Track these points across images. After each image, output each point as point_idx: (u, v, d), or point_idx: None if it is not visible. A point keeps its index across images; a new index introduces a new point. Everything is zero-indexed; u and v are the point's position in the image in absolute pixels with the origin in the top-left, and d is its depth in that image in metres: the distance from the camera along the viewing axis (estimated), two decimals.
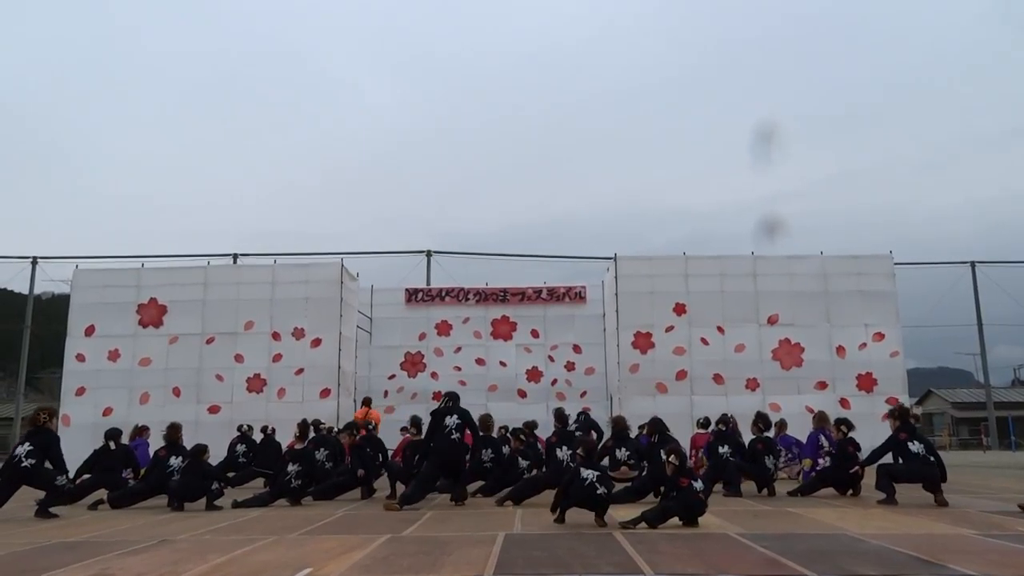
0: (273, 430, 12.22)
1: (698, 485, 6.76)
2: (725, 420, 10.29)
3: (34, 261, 25.56)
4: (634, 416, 12.73)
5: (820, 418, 11.10)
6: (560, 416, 9.99)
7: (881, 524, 6.45)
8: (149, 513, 8.41)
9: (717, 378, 16.54)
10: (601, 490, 6.56)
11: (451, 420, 8.70)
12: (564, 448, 9.06)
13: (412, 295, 20.50)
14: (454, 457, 8.69)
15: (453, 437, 8.64)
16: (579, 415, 12.90)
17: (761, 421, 9.88)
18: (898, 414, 8.77)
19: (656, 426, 9.67)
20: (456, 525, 6.77)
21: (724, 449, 9.67)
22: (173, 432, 9.56)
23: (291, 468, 9.15)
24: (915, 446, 8.29)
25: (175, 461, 9.17)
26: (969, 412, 43.57)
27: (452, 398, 9.06)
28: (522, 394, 19.15)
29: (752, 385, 16.38)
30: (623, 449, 9.92)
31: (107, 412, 15.70)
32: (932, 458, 8.27)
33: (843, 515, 7.15)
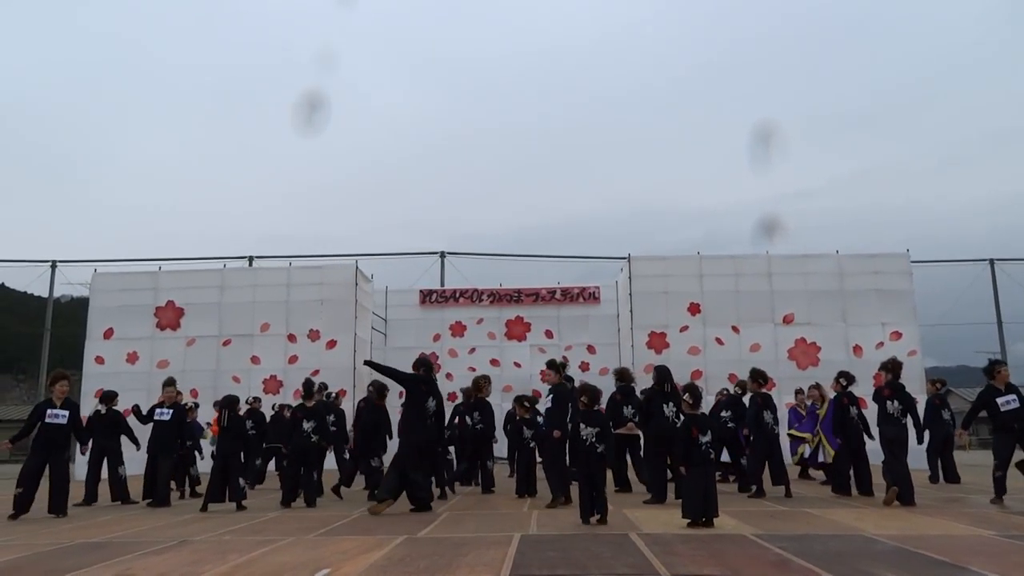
0: (282, 406, 12.52)
1: (705, 439, 6.58)
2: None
3: (53, 265, 25.82)
4: None
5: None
6: (625, 375, 9.85)
7: (899, 525, 6.41)
8: (169, 514, 8.51)
9: (732, 378, 16.34)
10: (601, 448, 6.74)
11: (432, 404, 8.24)
12: (629, 407, 9.24)
13: (426, 296, 20.57)
14: (433, 443, 8.34)
15: (430, 423, 8.23)
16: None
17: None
18: (890, 366, 8.23)
19: (662, 375, 9.04)
20: (472, 526, 6.80)
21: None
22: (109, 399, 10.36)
23: (306, 425, 9.03)
24: (892, 405, 7.94)
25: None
26: None
27: (427, 368, 8.47)
28: (537, 395, 19.14)
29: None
30: (629, 407, 9.68)
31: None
32: (904, 420, 7.93)
33: (860, 516, 7.11)
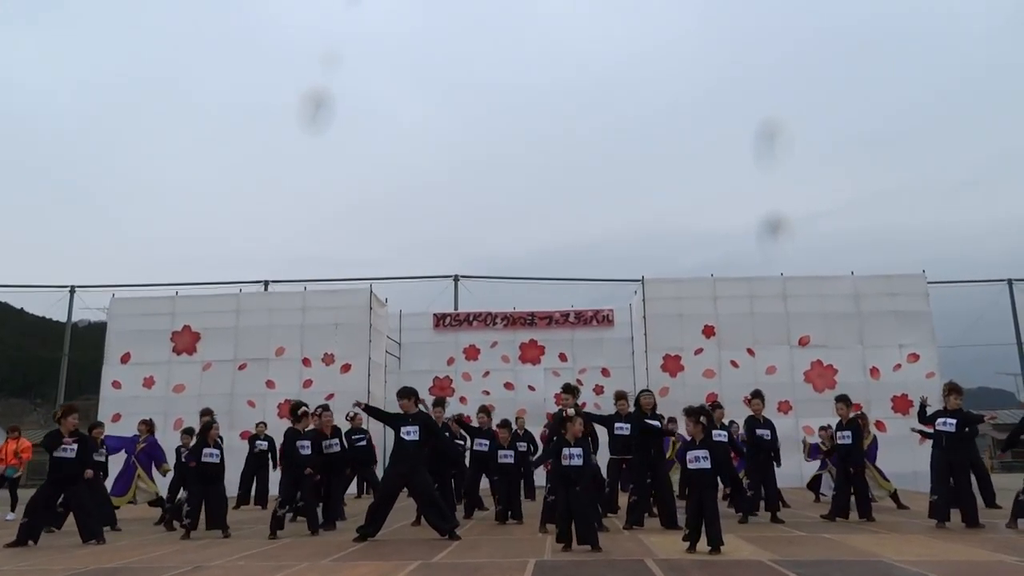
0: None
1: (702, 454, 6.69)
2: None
3: (72, 290, 26.10)
4: None
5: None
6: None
7: (920, 550, 6.31)
8: (186, 539, 8.50)
9: (746, 402, 16.37)
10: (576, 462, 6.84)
11: (410, 430, 7.78)
12: None
13: (440, 320, 20.58)
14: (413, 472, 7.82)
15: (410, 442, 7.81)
16: None
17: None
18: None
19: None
20: (487, 551, 6.76)
21: None
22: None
23: (300, 443, 8.79)
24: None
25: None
26: None
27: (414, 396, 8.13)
28: (551, 418, 19.07)
29: (784, 408, 16.15)
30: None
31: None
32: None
33: (880, 541, 7.01)
